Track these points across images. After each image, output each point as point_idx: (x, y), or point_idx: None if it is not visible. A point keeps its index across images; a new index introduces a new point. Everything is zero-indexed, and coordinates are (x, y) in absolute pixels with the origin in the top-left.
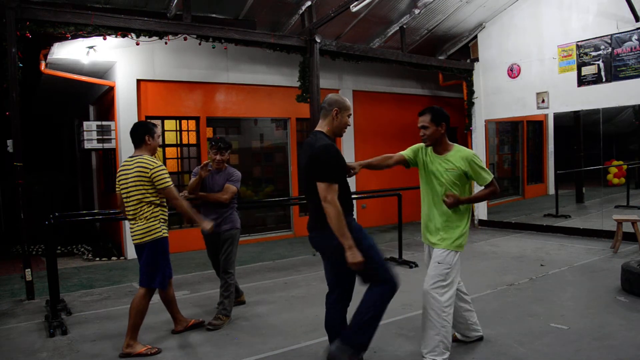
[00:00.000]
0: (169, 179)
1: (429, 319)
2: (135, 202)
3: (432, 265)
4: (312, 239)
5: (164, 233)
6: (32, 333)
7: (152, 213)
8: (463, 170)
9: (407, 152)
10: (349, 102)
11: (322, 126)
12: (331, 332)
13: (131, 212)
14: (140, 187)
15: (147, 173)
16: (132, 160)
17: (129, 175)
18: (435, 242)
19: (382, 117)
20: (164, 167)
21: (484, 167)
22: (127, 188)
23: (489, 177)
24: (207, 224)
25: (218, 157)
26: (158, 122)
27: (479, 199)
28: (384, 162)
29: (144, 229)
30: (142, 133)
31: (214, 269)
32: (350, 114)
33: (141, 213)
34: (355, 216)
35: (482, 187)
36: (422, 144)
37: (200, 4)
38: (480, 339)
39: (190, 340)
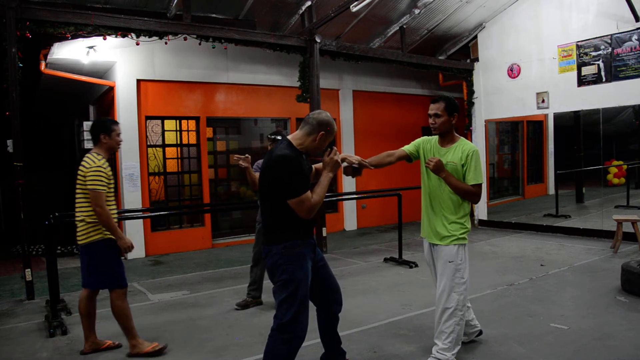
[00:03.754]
0: (100, 184)
1: (444, 315)
2: (78, 200)
3: (443, 264)
4: (262, 253)
5: (106, 234)
6: (32, 333)
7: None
8: (461, 164)
9: (408, 147)
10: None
11: (295, 137)
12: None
13: (76, 210)
14: (80, 185)
15: (83, 172)
16: (84, 157)
17: (78, 172)
18: (439, 240)
19: (382, 117)
20: (101, 170)
21: (480, 169)
22: (76, 184)
23: (478, 179)
24: (126, 243)
25: (269, 147)
26: (158, 122)
27: (459, 187)
28: (385, 159)
29: (86, 229)
30: (97, 131)
31: (253, 260)
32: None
33: (83, 211)
34: (355, 216)
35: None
36: (425, 137)
37: (200, 4)
38: (480, 333)
39: (191, 340)
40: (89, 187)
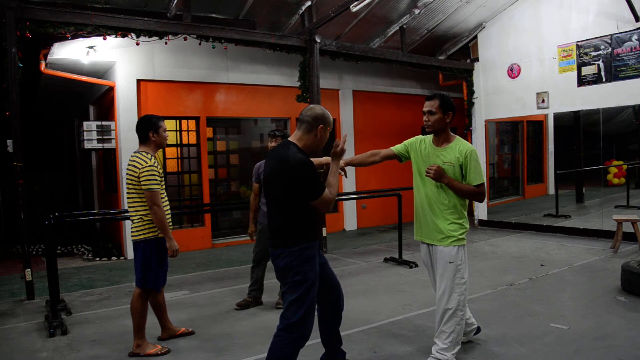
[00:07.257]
0: (154, 182)
1: (445, 316)
2: (130, 199)
3: (443, 265)
4: (271, 255)
5: (159, 233)
6: (32, 333)
7: (148, 211)
8: (459, 164)
9: (398, 147)
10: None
11: (297, 138)
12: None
13: (129, 209)
14: (133, 185)
15: (136, 173)
16: (131, 157)
17: (127, 172)
18: (438, 241)
19: (382, 117)
20: (153, 168)
21: (480, 168)
22: (127, 184)
23: (480, 179)
24: (174, 245)
25: (273, 143)
26: None
27: (463, 190)
28: (369, 159)
29: (139, 227)
30: (145, 129)
31: (254, 261)
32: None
33: (137, 210)
34: (355, 216)
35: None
36: (419, 137)
37: (200, 4)
38: (478, 330)
39: (191, 340)
40: (143, 187)
